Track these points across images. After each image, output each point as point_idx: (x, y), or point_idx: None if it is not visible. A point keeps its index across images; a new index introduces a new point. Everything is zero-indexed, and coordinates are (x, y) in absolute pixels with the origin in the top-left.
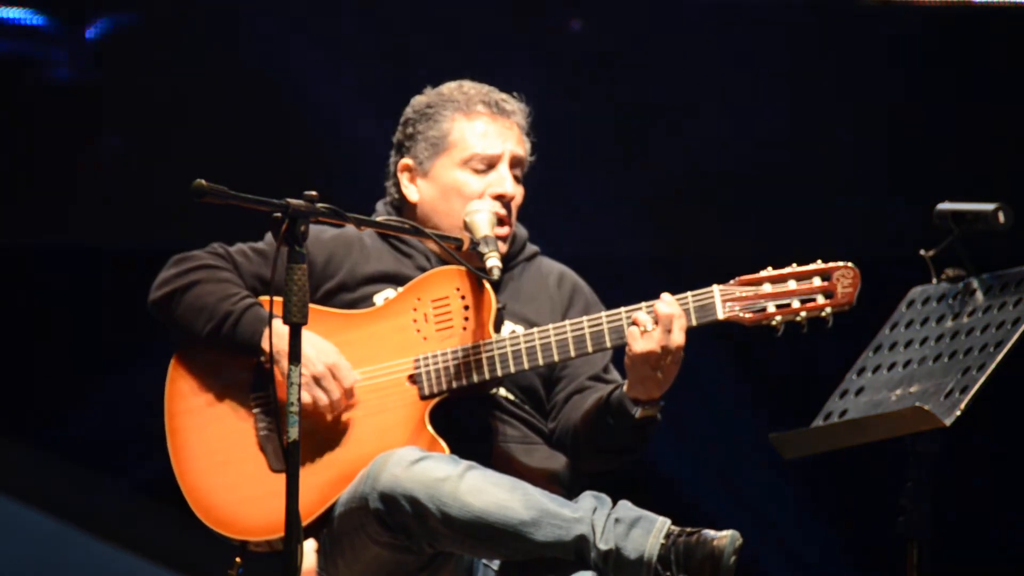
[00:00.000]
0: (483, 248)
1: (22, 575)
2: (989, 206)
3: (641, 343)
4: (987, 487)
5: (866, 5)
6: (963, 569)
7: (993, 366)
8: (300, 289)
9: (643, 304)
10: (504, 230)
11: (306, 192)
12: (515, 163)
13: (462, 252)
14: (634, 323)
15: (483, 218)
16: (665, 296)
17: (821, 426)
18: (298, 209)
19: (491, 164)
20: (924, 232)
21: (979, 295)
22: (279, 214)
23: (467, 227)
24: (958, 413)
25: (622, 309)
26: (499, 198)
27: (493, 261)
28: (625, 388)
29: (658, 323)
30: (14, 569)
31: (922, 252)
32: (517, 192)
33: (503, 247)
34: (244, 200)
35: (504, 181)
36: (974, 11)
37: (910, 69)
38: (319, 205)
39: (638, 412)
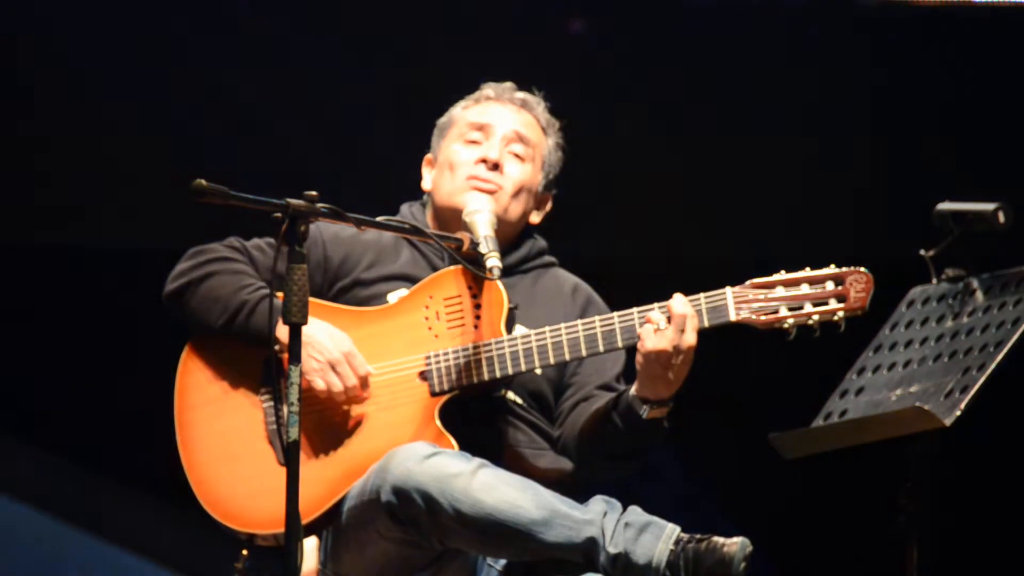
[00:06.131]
0: (483, 248)
1: (22, 575)
2: (989, 206)
3: (653, 340)
4: (987, 487)
5: (865, 5)
6: (963, 569)
7: (993, 366)
8: (300, 289)
9: (655, 304)
10: (487, 189)
11: (306, 192)
12: (513, 138)
13: (463, 252)
14: (647, 321)
15: (483, 218)
16: (678, 296)
17: (821, 426)
18: (298, 209)
19: (485, 135)
20: (924, 232)
21: (979, 295)
22: (279, 214)
23: (467, 227)
24: (958, 413)
25: (634, 309)
26: (482, 162)
27: (493, 261)
28: (634, 388)
29: (671, 322)
30: (14, 569)
31: (922, 252)
32: (510, 165)
33: (498, 207)
34: (244, 200)
35: (490, 148)
36: (974, 11)
37: (910, 68)
38: (319, 205)
39: (646, 412)
